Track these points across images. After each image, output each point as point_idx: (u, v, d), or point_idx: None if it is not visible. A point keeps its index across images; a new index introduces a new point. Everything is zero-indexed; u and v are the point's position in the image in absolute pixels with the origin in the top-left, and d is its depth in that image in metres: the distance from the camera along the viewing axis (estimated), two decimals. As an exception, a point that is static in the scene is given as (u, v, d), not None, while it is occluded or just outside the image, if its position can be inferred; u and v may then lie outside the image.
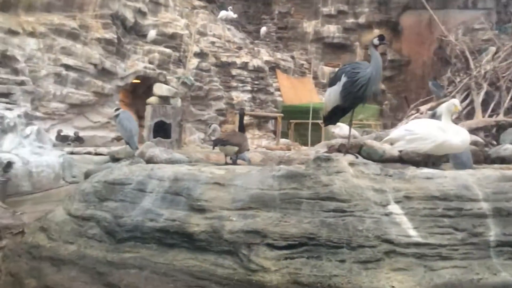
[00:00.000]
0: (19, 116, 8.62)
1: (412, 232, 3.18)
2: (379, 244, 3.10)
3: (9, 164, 7.24)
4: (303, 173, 3.63)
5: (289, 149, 12.36)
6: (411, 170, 4.02)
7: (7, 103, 9.00)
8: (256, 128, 17.44)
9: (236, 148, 5.68)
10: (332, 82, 4.86)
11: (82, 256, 3.71)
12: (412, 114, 12.93)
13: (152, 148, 7.59)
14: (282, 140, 15.16)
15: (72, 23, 11.74)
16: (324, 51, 21.22)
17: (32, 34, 10.70)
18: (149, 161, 7.08)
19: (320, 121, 11.83)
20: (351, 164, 3.82)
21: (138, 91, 15.93)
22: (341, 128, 7.31)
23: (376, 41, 4.63)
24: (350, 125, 5.13)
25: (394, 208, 3.37)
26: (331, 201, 3.35)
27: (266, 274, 3.05)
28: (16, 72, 9.78)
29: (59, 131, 10.36)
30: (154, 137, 11.06)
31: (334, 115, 5.07)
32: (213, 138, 6.06)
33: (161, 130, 11.40)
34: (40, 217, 4.42)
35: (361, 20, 20.57)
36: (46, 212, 4.44)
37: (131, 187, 4.10)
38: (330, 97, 4.87)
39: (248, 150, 6.36)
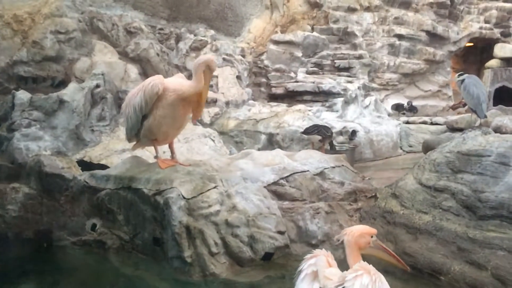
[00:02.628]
0: (358, 88, 9.27)
1: None
2: None
3: (353, 133, 7.90)
4: None
5: None
6: None
7: (348, 76, 9.83)
8: None
9: None
10: None
11: (438, 228, 3.60)
12: None
13: (499, 117, 6.77)
14: None
15: (403, -9, 11.71)
16: None
17: (368, 8, 11.25)
18: (496, 131, 6.33)
19: None
20: None
21: (469, 56, 14.66)
22: None
23: None
24: None
25: None
26: None
27: None
28: (354, 47, 10.54)
29: (401, 103, 10.54)
30: (495, 104, 9.86)
31: None
32: None
33: (503, 97, 10.05)
34: (391, 184, 4.56)
35: None
36: (397, 180, 4.54)
37: (491, 160, 3.69)
38: None
39: None
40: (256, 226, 3.65)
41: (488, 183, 3.54)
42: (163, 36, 8.65)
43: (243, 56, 9.55)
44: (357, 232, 2.26)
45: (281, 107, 8.74)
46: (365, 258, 2.25)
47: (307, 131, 6.72)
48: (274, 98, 9.56)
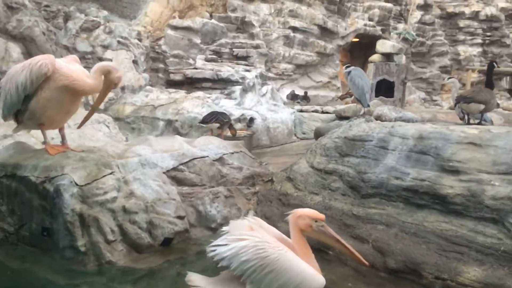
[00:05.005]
0: (256, 76, 9.52)
1: None
2: None
3: (251, 120, 8.11)
4: None
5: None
6: None
7: (246, 65, 10.02)
8: (488, 86, 15.45)
9: (482, 107, 5.09)
10: None
11: (328, 207, 3.89)
12: None
13: (380, 107, 7.42)
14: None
15: (296, -15, 12.22)
16: None
17: (265, 0, 11.54)
18: (377, 119, 6.94)
19: None
20: None
21: (355, 50, 15.81)
22: None
23: None
24: None
25: None
26: None
27: (544, 249, 2.64)
28: (252, 36, 10.76)
29: (296, 93, 11.10)
30: (376, 96, 10.81)
31: None
32: (455, 95, 5.53)
33: (383, 89, 11.05)
34: (286, 168, 4.80)
35: None
36: (291, 164, 4.79)
37: (373, 144, 4.07)
38: None
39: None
40: (155, 212, 3.61)
41: (370, 165, 3.90)
42: (50, 14, 8.01)
43: (140, 40, 9.22)
44: (298, 214, 2.41)
45: (179, 93, 8.64)
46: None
47: (205, 120, 6.71)
48: (172, 84, 9.40)
